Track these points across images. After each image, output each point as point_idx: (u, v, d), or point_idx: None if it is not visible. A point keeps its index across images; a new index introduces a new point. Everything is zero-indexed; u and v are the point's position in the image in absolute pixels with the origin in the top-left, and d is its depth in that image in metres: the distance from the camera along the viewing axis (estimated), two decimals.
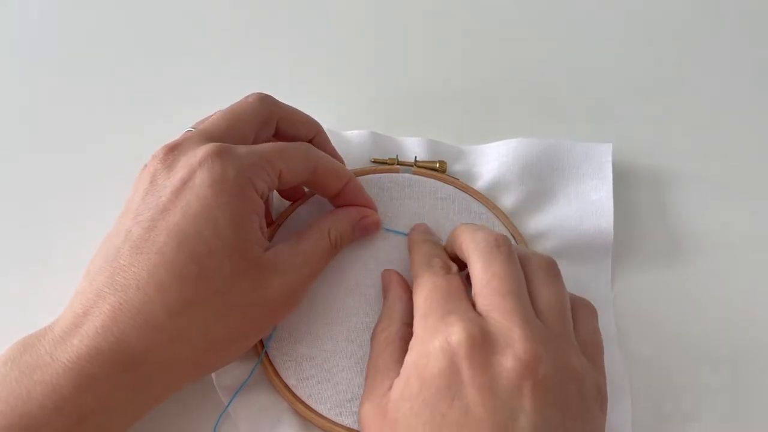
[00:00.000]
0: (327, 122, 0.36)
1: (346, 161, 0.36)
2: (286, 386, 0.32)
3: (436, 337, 0.26)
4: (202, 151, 0.28)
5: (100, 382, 0.25)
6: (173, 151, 0.29)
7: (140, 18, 0.46)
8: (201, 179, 0.27)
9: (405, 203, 0.37)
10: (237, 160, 0.28)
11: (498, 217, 0.37)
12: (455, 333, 0.25)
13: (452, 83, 0.43)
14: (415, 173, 0.38)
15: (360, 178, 0.37)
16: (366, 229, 0.34)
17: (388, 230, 0.36)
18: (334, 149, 0.36)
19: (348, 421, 0.31)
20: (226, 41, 0.45)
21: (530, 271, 0.29)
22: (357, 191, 0.34)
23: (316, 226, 0.32)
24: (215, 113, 0.32)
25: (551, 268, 0.29)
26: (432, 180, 0.38)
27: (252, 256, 0.28)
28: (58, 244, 0.37)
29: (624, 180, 0.39)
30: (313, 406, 0.32)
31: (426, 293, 0.28)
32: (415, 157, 0.39)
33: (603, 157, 0.38)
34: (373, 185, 0.37)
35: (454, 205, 0.37)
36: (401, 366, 0.27)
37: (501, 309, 0.26)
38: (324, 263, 0.32)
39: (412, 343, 0.27)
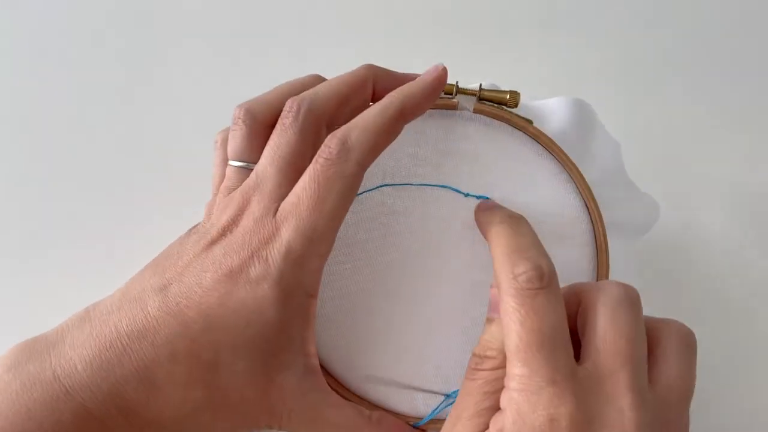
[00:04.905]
0: None
1: None
2: None
3: (539, 406, 0.22)
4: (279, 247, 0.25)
5: (96, 420, 0.23)
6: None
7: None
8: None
9: (455, 162, 0.28)
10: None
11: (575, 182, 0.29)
12: (562, 408, 0.22)
13: None
14: (475, 111, 0.28)
15: None
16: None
17: (419, 185, 0.29)
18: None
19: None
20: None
21: (664, 336, 0.24)
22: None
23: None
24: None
25: (690, 342, 0.25)
26: (499, 126, 0.28)
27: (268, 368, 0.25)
28: (59, 243, 0.37)
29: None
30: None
31: (519, 328, 0.23)
32: (480, 84, 0.28)
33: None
34: (412, 129, 0.28)
35: (526, 166, 0.28)
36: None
37: (616, 377, 0.23)
38: None
39: (513, 389, 0.23)
